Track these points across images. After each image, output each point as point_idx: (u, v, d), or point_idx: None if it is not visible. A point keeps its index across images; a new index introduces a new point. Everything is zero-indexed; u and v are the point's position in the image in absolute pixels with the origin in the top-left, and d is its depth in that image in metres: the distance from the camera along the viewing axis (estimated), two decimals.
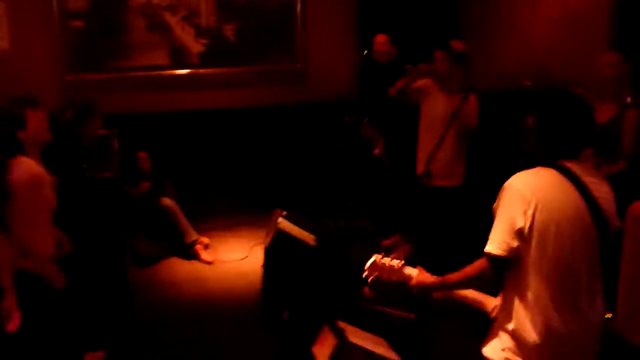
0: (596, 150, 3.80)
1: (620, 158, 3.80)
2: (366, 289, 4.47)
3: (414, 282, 2.37)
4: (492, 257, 2.12)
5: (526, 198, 2.07)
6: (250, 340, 3.96)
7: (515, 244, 2.08)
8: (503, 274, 2.19)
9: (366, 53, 5.64)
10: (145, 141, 5.36)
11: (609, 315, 2.29)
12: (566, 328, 2.10)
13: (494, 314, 2.33)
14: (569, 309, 2.11)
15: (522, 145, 2.32)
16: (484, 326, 2.37)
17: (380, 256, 2.41)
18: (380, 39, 5.38)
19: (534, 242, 2.07)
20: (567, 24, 6.45)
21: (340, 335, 2.90)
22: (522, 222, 2.06)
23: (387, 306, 4.18)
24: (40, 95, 5.13)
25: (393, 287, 2.44)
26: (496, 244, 2.10)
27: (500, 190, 2.17)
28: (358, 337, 2.94)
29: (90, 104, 4.16)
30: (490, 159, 4.91)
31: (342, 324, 3.02)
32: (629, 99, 4.02)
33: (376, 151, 5.28)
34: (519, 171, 2.23)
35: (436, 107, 4.41)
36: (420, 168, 4.51)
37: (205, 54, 5.93)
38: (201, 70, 5.92)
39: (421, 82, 4.49)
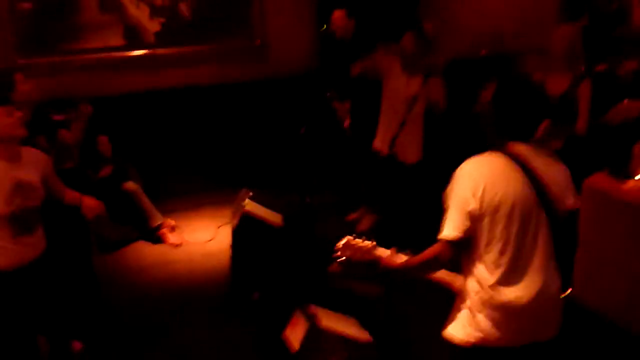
0: (553, 121, 3.92)
1: (577, 127, 3.91)
2: (334, 265, 4.55)
3: (382, 264, 2.42)
4: (448, 239, 2.21)
5: (475, 181, 2.17)
6: (221, 323, 3.99)
7: (467, 223, 2.18)
8: (459, 255, 2.28)
9: (325, 28, 5.61)
10: (104, 124, 5.27)
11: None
12: (520, 303, 2.20)
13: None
14: (521, 287, 2.20)
15: (480, 122, 2.39)
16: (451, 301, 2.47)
17: (352, 237, 2.44)
18: (337, 14, 5.36)
19: (484, 224, 2.18)
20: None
21: (311, 319, 2.96)
22: (472, 204, 2.16)
23: (355, 281, 4.27)
24: None
25: (362, 267, 2.46)
26: (450, 226, 2.20)
27: (452, 177, 2.26)
28: (329, 320, 3.00)
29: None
30: (449, 136, 5.00)
31: (313, 308, 3.07)
32: (582, 69, 4.13)
33: (346, 123, 5.30)
34: (473, 152, 2.31)
35: (398, 86, 4.45)
36: (378, 144, 4.57)
37: (161, 33, 5.79)
38: (158, 50, 5.79)
39: (385, 61, 4.51)
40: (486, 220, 2.18)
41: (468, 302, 2.28)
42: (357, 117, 5.29)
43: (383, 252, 2.45)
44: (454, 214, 2.20)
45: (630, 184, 3.52)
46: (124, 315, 4.13)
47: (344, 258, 2.45)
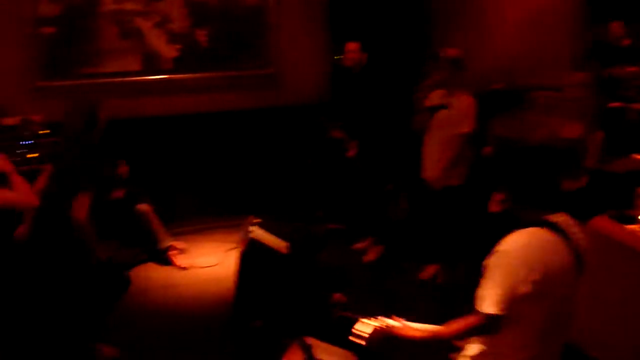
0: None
1: (583, 175, 3.93)
2: (336, 295, 4.58)
3: (401, 333, 2.40)
4: (490, 316, 2.16)
5: (530, 265, 2.12)
6: (220, 348, 4.02)
7: (513, 306, 2.14)
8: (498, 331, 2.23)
9: (337, 58, 5.71)
10: (118, 147, 5.38)
11: None
12: None
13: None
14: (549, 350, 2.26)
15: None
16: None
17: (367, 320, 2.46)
18: (351, 46, 5.44)
19: (530, 303, 2.15)
20: (534, 28, 6.61)
21: (307, 351, 2.97)
22: (524, 289, 2.12)
23: (358, 313, 4.29)
24: (11, 102, 5.22)
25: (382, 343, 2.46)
26: (495, 305, 2.14)
27: (495, 252, 2.20)
28: (326, 354, 3.01)
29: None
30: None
31: (310, 340, 3.09)
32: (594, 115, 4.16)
33: (350, 153, 5.35)
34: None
35: (441, 115, 4.56)
36: (429, 175, 4.68)
37: (178, 60, 5.94)
38: (174, 76, 5.93)
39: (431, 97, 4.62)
40: (531, 302, 2.15)
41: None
42: (366, 148, 5.35)
43: (393, 323, 2.44)
44: (499, 291, 2.14)
45: (634, 227, 3.52)
46: (125, 334, 4.16)
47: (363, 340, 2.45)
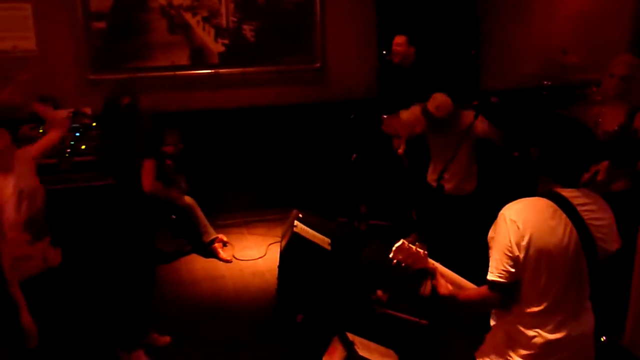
0: (613, 162, 3.77)
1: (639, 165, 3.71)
2: (379, 292, 4.54)
3: (434, 282, 2.42)
4: (494, 284, 2.23)
5: (520, 230, 2.16)
6: (263, 342, 4.06)
7: (512, 270, 2.19)
8: (506, 299, 2.27)
9: (385, 53, 5.65)
10: (166, 139, 5.47)
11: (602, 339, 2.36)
12: (558, 347, 2.22)
13: None
14: (561, 332, 2.22)
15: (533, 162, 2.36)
16: None
17: (407, 241, 2.45)
18: (398, 40, 5.39)
19: (528, 271, 2.19)
20: (587, 21, 6.41)
21: (349, 347, 2.97)
22: (517, 252, 2.17)
23: (400, 311, 4.26)
24: (65, 95, 5.36)
25: (412, 274, 2.46)
26: (496, 271, 2.21)
27: (496, 220, 2.26)
28: (366, 350, 3.00)
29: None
30: (502, 169, 4.94)
31: (351, 336, 3.09)
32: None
33: (400, 150, 5.29)
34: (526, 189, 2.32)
35: (451, 120, 4.45)
36: (431, 179, 4.57)
37: (225, 54, 5.99)
38: (221, 70, 5.98)
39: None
40: (529, 269, 2.19)
41: (507, 342, 2.30)
42: (413, 145, 5.28)
43: (435, 264, 2.46)
44: (498, 259, 2.22)
45: None
46: (170, 325, 4.23)
47: (395, 260, 2.45)
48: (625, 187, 3.67)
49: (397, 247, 2.43)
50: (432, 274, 2.41)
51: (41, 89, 5.17)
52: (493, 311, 2.44)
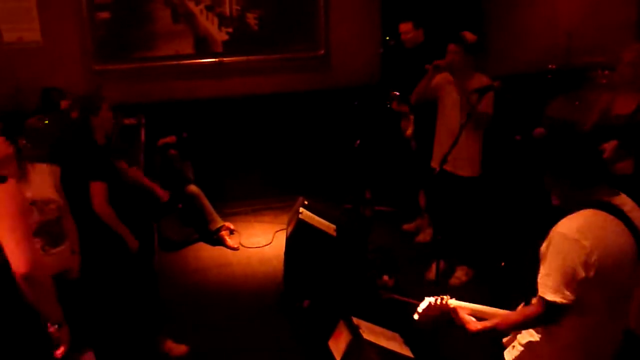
0: (621, 143, 3.78)
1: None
2: (385, 277, 4.57)
3: (466, 325, 2.35)
4: (554, 305, 2.11)
5: (585, 248, 2.05)
6: (270, 328, 4.10)
7: (576, 293, 2.08)
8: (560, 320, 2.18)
9: (388, 39, 5.63)
10: (171, 129, 5.50)
11: None
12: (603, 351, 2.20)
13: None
14: (610, 339, 2.21)
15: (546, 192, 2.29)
16: None
17: (434, 300, 2.38)
18: (404, 28, 5.35)
19: (591, 288, 2.08)
20: (592, 4, 6.35)
21: (354, 331, 3.00)
22: (583, 273, 2.05)
23: (406, 296, 4.29)
24: (70, 85, 5.39)
25: (437, 319, 2.42)
26: (559, 293, 2.08)
27: (551, 236, 2.14)
28: (372, 333, 3.03)
29: (92, 95, 3.98)
30: (506, 154, 4.92)
31: (356, 320, 3.12)
32: None
33: (408, 132, 5.28)
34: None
35: (451, 101, 4.42)
36: (435, 161, 4.55)
37: (229, 43, 6.00)
38: (225, 59, 5.99)
39: (438, 78, 4.49)
40: (593, 286, 2.08)
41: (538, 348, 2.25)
42: (421, 128, 5.27)
43: (457, 304, 2.41)
44: (559, 279, 2.08)
45: None
46: (179, 313, 4.28)
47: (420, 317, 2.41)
48: (628, 171, 3.67)
49: (424, 308, 2.36)
50: (455, 316, 2.35)
51: (47, 80, 5.23)
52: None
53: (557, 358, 2.23)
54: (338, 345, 3.02)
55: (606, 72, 5.34)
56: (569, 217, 2.13)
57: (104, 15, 5.60)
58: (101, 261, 3.45)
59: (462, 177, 4.44)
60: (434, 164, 4.56)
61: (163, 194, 4.66)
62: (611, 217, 2.09)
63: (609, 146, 3.71)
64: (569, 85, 5.69)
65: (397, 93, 5.18)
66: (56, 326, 2.30)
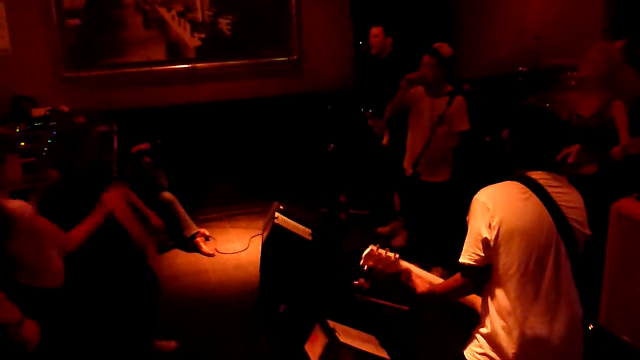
0: (585, 146, 3.86)
1: (612, 151, 3.76)
2: (361, 280, 4.60)
3: (410, 283, 2.45)
4: (465, 267, 2.25)
5: (489, 211, 2.19)
6: (246, 334, 4.08)
7: (482, 253, 2.21)
8: (480, 283, 2.29)
9: (361, 44, 5.68)
10: (144, 136, 5.47)
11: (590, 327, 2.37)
12: (540, 334, 2.19)
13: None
14: (540, 316, 2.19)
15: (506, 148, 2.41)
16: (471, 324, 2.48)
17: (376, 247, 2.46)
18: (374, 31, 5.41)
19: (500, 253, 2.19)
20: (560, 7, 6.47)
21: (330, 334, 3.01)
22: (486, 234, 2.19)
23: (381, 298, 4.32)
24: (40, 94, 5.33)
25: (386, 278, 2.48)
26: (467, 254, 2.25)
27: (470, 204, 2.28)
28: (348, 336, 3.05)
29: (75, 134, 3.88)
30: (477, 156, 4.99)
31: (332, 323, 3.13)
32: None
33: (384, 141, 5.32)
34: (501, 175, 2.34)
35: (423, 110, 4.47)
36: (407, 166, 4.61)
37: (201, 49, 5.99)
38: (198, 65, 5.98)
39: (412, 91, 4.53)
40: (502, 251, 2.18)
41: (489, 328, 2.27)
42: (395, 134, 5.32)
43: (408, 265, 2.49)
44: (469, 242, 2.24)
45: None
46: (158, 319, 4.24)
47: (368, 266, 2.46)
48: (593, 172, 3.76)
49: (366, 254, 2.45)
50: (406, 276, 2.44)
51: (16, 87, 5.17)
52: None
53: (500, 329, 2.23)
54: (314, 348, 3.03)
55: (575, 73, 5.44)
56: (487, 186, 2.29)
57: (75, 21, 5.55)
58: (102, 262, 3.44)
59: (435, 182, 4.49)
60: (406, 165, 4.61)
61: (159, 226, 4.72)
62: (525, 188, 2.22)
63: (573, 150, 3.80)
64: (538, 87, 5.79)
65: (371, 111, 5.24)
66: None
